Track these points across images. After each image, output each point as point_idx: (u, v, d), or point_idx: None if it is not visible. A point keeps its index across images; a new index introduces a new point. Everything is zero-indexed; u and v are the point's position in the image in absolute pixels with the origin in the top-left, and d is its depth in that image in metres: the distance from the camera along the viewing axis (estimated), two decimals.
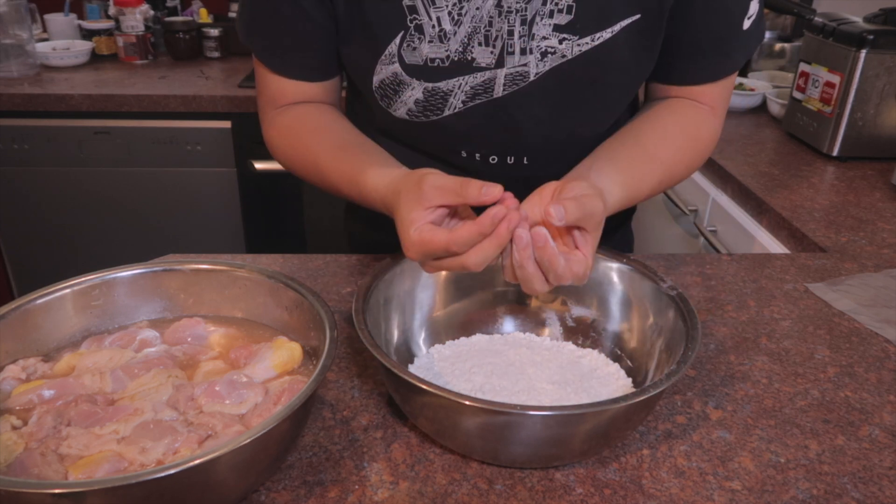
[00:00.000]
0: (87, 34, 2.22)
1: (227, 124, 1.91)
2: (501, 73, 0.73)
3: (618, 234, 0.98)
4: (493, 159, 0.81)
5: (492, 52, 0.72)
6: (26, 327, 0.62)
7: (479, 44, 0.72)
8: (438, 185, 0.58)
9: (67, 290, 0.64)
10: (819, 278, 0.92)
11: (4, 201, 1.98)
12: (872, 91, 1.34)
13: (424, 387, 0.54)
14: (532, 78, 0.73)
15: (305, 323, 0.63)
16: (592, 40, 0.71)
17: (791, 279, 0.91)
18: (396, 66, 0.74)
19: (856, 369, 0.73)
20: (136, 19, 2.12)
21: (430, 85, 0.75)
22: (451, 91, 0.75)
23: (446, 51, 0.72)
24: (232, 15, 2.34)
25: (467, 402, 0.53)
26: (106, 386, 0.59)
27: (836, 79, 1.37)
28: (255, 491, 0.56)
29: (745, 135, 1.57)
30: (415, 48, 0.72)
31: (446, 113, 0.77)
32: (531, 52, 0.72)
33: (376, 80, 0.76)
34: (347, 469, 0.58)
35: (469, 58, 0.73)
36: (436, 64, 0.73)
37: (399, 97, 0.76)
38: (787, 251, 1.13)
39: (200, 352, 0.64)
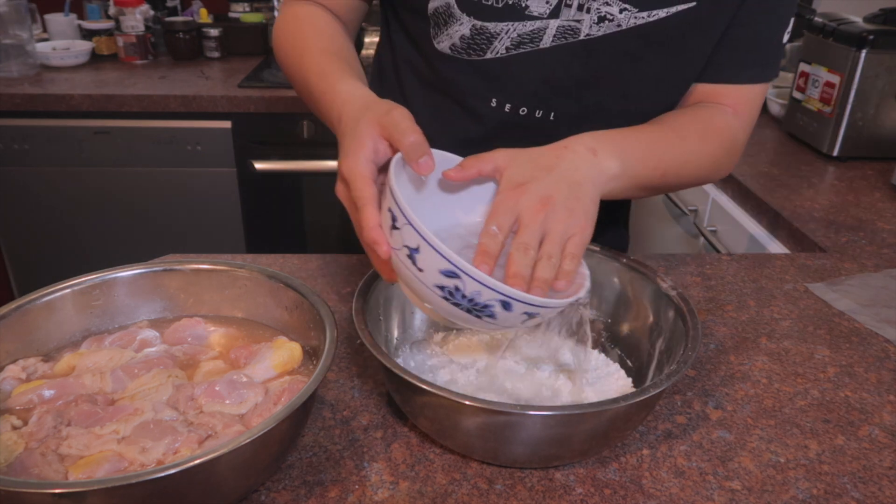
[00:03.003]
0: (87, 34, 2.22)
1: (227, 124, 1.91)
2: (554, 24, 0.73)
3: (609, 232, 0.96)
4: (523, 111, 0.79)
5: (547, 2, 0.72)
6: (26, 327, 0.62)
7: None
8: (407, 116, 0.57)
9: (67, 290, 0.64)
10: (819, 278, 0.92)
11: (4, 201, 1.98)
12: (872, 91, 1.34)
13: (424, 386, 0.54)
14: (581, 37, 0.73)
15: (305, 323, 0.63)
16: (648, 16, 0.71)
17: (791, 279, 0.91)
18: None
19: (856, 369, 0.73)
20: (136, 19, 2.12)
21: (478, 23, 0.74)
22: (498, 34, 0.75)
23: None
24: (232, 15, 2.33)
25: (467, 403, 0.52)
26: (106, 386, 0.59)
27: (836, 79, 1.37)
28: (255, 491, 0.56)
29: None
30: None
31: (488, 56, 0.76)
32: (588, 11, 0.72)
33: (431, 6, 0.76)
34: (347, 469, 0.58)
35: (523, 4, 0.72)
36: (489, 3, 0.73)
37: (446, 29, 0.76)
38: (787, 251, 1.13)
39: (200, 352, 0.64)
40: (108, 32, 2.19)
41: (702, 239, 1.42)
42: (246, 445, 0.47)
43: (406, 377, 0.54)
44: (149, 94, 1.86)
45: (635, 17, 0.71)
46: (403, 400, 0.60)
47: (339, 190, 0.59)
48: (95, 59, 2.17)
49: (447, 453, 0.60)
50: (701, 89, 0.79)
